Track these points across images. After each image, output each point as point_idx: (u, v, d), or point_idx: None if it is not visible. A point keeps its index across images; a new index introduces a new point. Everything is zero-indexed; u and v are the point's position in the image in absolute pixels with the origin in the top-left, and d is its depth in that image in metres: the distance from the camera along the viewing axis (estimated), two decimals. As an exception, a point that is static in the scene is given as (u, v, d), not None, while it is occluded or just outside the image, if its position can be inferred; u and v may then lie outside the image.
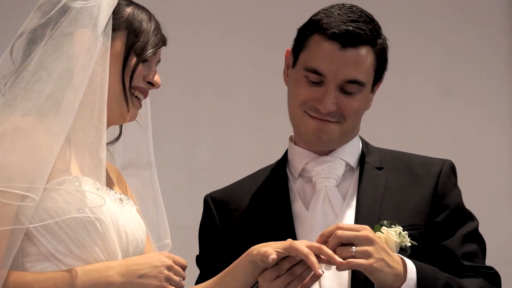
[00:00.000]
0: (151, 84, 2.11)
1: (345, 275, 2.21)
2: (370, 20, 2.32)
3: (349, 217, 2.29)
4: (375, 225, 2.18)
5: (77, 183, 1.90)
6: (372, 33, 2.29)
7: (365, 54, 2.27)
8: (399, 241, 2.17)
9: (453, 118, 4.40)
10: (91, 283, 1.89)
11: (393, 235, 2.17)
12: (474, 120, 4.42)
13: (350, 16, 2.28)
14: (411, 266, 2.12)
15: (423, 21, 4.46)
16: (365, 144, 2.44)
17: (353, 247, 2.06)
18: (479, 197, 4.06)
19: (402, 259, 2.13)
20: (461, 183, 2.43)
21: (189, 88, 4.16)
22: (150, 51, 2.07)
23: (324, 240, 2.09)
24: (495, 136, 4.43)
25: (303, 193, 2.38)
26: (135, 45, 2.06)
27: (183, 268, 2.00)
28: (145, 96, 2.12)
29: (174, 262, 1.98)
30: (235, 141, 4.23)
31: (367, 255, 2.06)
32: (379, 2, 4.40)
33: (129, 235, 2.02)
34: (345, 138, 2.37)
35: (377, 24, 2.34)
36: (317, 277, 2.06)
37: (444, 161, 2.39)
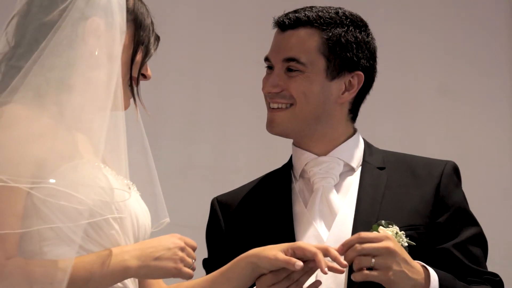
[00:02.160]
0: (144, 76, 2.13)
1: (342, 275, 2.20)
2: (334, 13, 2.37)
3: (348, 216, 2.30)
4: (373, 225, 2.18)
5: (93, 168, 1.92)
6: (321, 19, 2.34)
7: (305, 35, 2.34)
8: (397, 240, 2.15)
9: (454, 118, 4.40)
10: (108, 268, 1.88)
11: (385, 233, 2.15)
12: (475, 120, 4.42)
13: (304, 8, 2.39)
14: (433, 275, 2.13)
15: (424, 21, 4.45)
16: (368, 145, 2.43)
17: (373, 259, 2.06)
18: (480, 197, 4.05)
19: (424, 267, 2.13)
20: (462, 183, 2.42)
21: (190, 85, 4.17)
22: (155, 47, 2.11)
23: (345, 250, 2.09)
24: (496, 136, 4.43)
25: (303, 193, 2.38)
26: (142, 40, 2.08)
27: (194, 249, 2.00)
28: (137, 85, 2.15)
29: (186, 243, 1.98)
30: (237, 139, 4.23)
31: (386, 267, 2.05)
32: (379, 1, 4.40)
33: (140, 221, 2.03)
34: (304, 124, 2.36)
35: (349, 20, 2.37)
36: (317, 284, 2.07)
37: (446, 162, 2.38)
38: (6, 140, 1.86)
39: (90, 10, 1.95)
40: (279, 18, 2.39)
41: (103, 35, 1.96)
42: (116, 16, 1.97)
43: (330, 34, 2.34)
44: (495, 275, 2.31)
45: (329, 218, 2.31)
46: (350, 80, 2.36)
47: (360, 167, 2.38)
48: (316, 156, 2.38)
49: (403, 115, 4.36)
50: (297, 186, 2.39)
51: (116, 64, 1.96)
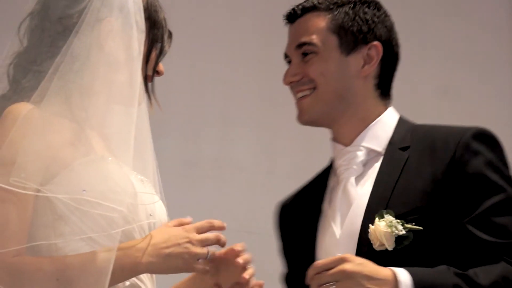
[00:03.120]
0: (157, 73, 2.13)
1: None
2: None
3: (361, 208, 2.25)
4: (376, 215, 2.17)
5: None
6: (327, 2, 2.36)
7: (312, 18, 2.35)
8: (389, 231, 2.13)
9: (454, 118, 4.40)
10: (118, 263, 1.87)
11: (380, 226, 2.14)
12: (475, 120, 4.42)
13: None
14: (404, 280, 2.07)
15: (424, 21, 4.46)
16: (401, 122, 2.38)
17: (333, 287, 2.05)
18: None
19: (395, 275, 2.07)
20: (495, 147, 2.28)
21: (193, 83, 4.18)
22: (169, 44, 2.11)
23: (310, 282, 2.08)
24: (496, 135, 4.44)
25: (333, 189, 2.37)
26: (156, 38, 2.07)
27: (213, 228, 1.98)
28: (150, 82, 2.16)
29: (198, 230, 1.95)
30: (240, 137, 4.24)
31: None
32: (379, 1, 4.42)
33: (156, 217, 2.02)
34: (329, 105, 2.33)
35: (350, 1, 2.37)
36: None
37: (467, 129, 2.26)
38: (34, 145, 1.86)
39: (106, 11, 1.95)
40: (287, 12, 2.40)
41: (120, 35, 1.96)
42: (133, 16, 1.97)
43: (337, 12, 2.34)
44: None
45: (345, 211, 2.29)
46: (367, 53, 2.35)
47: (385, 151, 2.32)
48: (342, 147, 2.35)
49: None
50: (331, 182, 2.38)
51: (137, 64, 1.96)
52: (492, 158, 2.22)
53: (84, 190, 1.86)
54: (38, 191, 1.85)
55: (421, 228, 2.14)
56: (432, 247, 2.15)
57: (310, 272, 2.06)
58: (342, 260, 2.05)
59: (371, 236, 2.17)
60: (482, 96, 4.45)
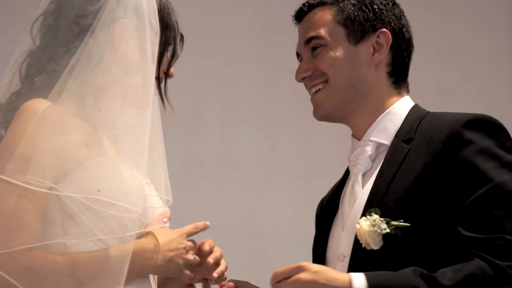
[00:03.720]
0: (167, 75, 2.15)
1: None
2: None
3: (362, 203, 2.23)
4: (366, 214, 2.16)
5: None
6: None
7: (318, 13, 2.36)
8: (373, 230, 2.12)
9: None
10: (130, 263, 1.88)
11: (364, 226, 2.13)
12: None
13: None
14: (359, 285, 2.05)
15: (424, 20, 4.47)
16: (412, 113, 2.34)
17: None
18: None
19: (350, 281, 2.06)
20: (492, 134, 2.19)
21: (194, 83, 4.18)
22: (181, 47, 2.13)
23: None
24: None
25: (347, 184, 2.36)
26: (169, 41, 2.09)
27: (199, 231, 2.01)
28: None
29: (187, 235, 1.98)
30: (241, 137, 4.24)
31: None
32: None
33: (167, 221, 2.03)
34: (343, 96, 2.32)
35: None
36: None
37: (461, 118, 2.21)
38: (50, 143, 1.87)
39: (121, 12, 1.96)
40: (295, 11, 2.41)
41: (135, 37, 1.97)
42: (147, 18, 1.98)
43: (342, 4, 2.35)
44: (499, 238, 2.05)
45: (349, 208, 2.29)
46: (377, 41, 2.33)
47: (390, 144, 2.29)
48: (356, 141, 2.34)
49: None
50: (350, 179, 2.37)
51: (152, 66, 1.97)
52: (488, 145, 2.15)
53: (99, 190, 1.88)
54: (52, 189, 1.86)
55: (409, 224, 2.11)
56: (424, 244, 2.12)
57: (271, 280, 2.07)
58: (299, 269, 2.06)
59: (358, 236, 2.16)
60: (482, 95, 4.46)
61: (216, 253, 2.04)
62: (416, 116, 2.31)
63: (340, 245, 2.24)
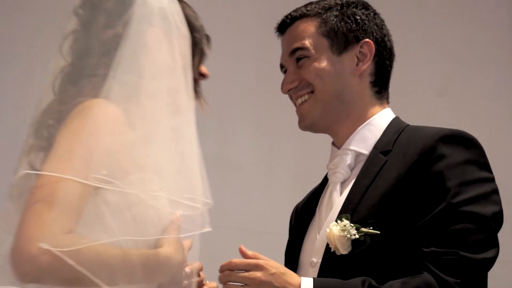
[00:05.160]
0: (203, 76, 2.22)
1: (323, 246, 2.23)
2: (315, 3, 2.41)
3: (337, 211, 2.26)
4: (337, 219, 2.19)
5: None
6: (315, 8, 2.39)
7: (302, 25, 2.39)
8: (343, 235, 2.14)
9: (454, 118, 4.41)
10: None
11: (334, 231, 2.15)
12: (475, 120, 4.44)
13: (298, 8, 2.43)
14: None
15: (424, 20, 4.47)
16: (393, 124, 2.36)
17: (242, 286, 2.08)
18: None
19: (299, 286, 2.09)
20: (470, 149, 2.24)
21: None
22: (209, 47, 2.20)
23: (220, 272, 2.12)
24: (496, 136, 4.44)
25: (324, 192, 2.39)
26: (196, 42, 2.14)
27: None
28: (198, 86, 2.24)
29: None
30: (240, 136, 4.25)
31: None
32: (380, 1, 4.42)
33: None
34: (328, 106, 2.34)
35: (343, 2, 2.40)
36: None
37: (437, 133, 2.21)
38: (114, 142, 1.91)
39: (148, 20, 2.00)
40: (277, 23, 2.44)
41: (166, 43, 2.01)
42: (175, 23, 2.03)
43: (325, 16, 2.37)
44: (452, 253, 2.07)
45: (324, 215, 2.31)
46: (360, 51, 2.36)
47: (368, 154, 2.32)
48: (336, 149, 2.37)
49: (403, 115, 4.37)
50: (328, 186, 2.39)
51: (187, 70, 2.02)
52: (460, 161, 2.18)
53: (156, 189, 1.92)
54: (116, 186, 1.89)
55: (378, 232, 2.13)
56: (391, 253, 2.14)
57: (224, 266, 2.09)
58: (257, 267, 2.08)
59: (328, 240, 2.18)
60: (482, 95, 4.46)
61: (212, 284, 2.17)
62: (395, 129, 2.32)
63: (313, 251, 2.27)
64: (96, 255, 1.83)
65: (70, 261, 1.78)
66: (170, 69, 2.00)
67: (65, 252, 1.78)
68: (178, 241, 1.94)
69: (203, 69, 2.21)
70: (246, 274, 2.08)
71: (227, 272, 2.09)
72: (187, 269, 1.99)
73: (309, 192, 2.50)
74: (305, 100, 2.37)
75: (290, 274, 2.10)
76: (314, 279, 2.10)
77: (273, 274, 2.08)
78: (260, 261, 2.09)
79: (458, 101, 4.44)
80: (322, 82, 2.34)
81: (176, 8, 2.05)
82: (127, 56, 1.96)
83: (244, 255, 2.11)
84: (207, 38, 2.20)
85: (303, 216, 2.41)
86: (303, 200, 2.50)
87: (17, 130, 4.36)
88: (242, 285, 2.08)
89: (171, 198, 1.92)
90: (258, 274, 2.07)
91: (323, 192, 2.38)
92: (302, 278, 2.09)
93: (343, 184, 2.32)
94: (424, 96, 4.42)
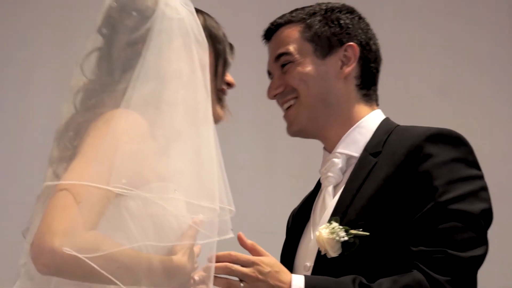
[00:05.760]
0: (229, 85, 2.26)
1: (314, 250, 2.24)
2: (311, 6, 2.42)
3: (329, 214, 2.26)
4: (327, 222, 2.19)
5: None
6: (299, 14, 2.40)
7: (286, 31, 2.40)
8: (332, 237, 2.15)
9: (454, 118, 4.41)
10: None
11: (323, 233, 2.16)
12: (475, 120, 4.44)
13: (283, 14, 2.45)
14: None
15: (424, 20, 4.47)
16: (383, 125, 2.35)
17: (242, 283, 2.08)
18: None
19: (290, 283, 2.09)
20: (456, 148, 2.21)
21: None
22: (232, 56, 2.24)
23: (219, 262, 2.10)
24: (496, 136, 4.45)
25: (318, 196, 2.40)
26: (220, 52, 2.18)
27: None
28: (224, 95, 2.28)
29: None
30: (240, 136, 4.24)
31: None
32: (380, 1, 4.43)
33: None
34: (314, 110, 2.35)
35: (328, 7, 2.41)
36: None
37: (424, 132, 2.21)
38: (135, 151, 1.94)
39: (168, 33, 2.03)
40: (264, 31, 2.47)
41: (186, 54, 2.04)
42: (192, 34, 2.05)
43: (309, 21, 2.38)
44: (441, 252, 2.09)
45: (318, 219, 2.31)
46: (344, 54, 2.36)
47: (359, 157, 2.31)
48: (328, 154, 2.37)
49: (403, 115, 4.36)
50: (322, 191, 2.40)
51: (203, 79, 2.03)
52: (448, 159, 2.18)
53: (176, 190, 1.94)
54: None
55: (368, 233, 2.14)
56: (382, 254, 2.14)
57: (222, 257, 2.07)
58: (254, 264, 2.08)
59: (317, 243, 2.19)
60: (482, 95, 4.46)
61: None
62: (385, 130, 2.32)
63: (307, 255, 2.27)
64: (117, 258, 1.86)
65: (92, 264, 1.81)
66: (189, 79, 2.03)
67: (88, 257, 1.81)
68: (191, 249, 1.96)
69: (228, 77, 2.25)
70: (243, 269, 2.07)
71: (225, 264, 2.08)
72: (196, 277, 2.00)
73: (304, 197, 2.50)
74: (291, 106, 2.38)
75: (283, 272, 2.10)
76: (305, 276, 2.10)
77: (267, 273, 2.08)
78: (256, 259, 2.09)
79: (459, 101, 4.44)
80: (306, 87, 2.35)
81: (195, 20, 2.08)
82: (147, 67, 1.98)
83: (243, 244, 2.10)
84: (231, 47, 2.24)
85: (298, 220, 2.41)
86: (298, 205, 2.51)
87: (17, 130, 4.36)
88: (237, 280, 2.08)
89: (190, 202, 1.95)
90: (254, 271, 2.07)
91: (317, 196, 2.39)
92: (293, 275, 2.10)
93: (336, 187, 2.32)
94: (424, 96, 4.42)
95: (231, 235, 2.02)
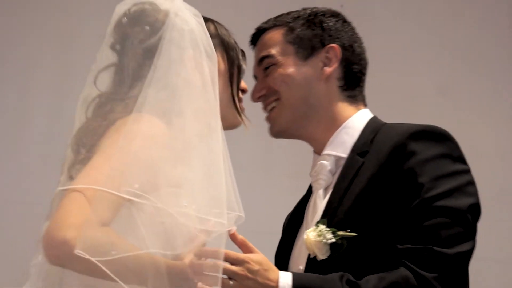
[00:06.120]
0: (242, 91, 2.31)
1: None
2: (296, 11, 2.44)
3: (319, 217, 2.27)
4: (315, 225, 2.19)
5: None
6: (283, 19, 2.42)
7: (269, 34, 2.42)
8: (319, 240, 2.15)
9: (454, 118, 4.41)
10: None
11: (310, 236, 2.16)
12: (475, 120, 4.44)
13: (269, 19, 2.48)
14: (284, 285, 2.08)
15: (424, 20, 4.47)
16: (370, 124, 2.34)
17: (231, 281, 2.07)
18: (480, 197, 4.07)
19: (278, 280, 2.09)
20: (440, 144, 2.20)
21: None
22: (244, 62, 2.28)
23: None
24: (496, 136, 4.44)
25: (310, 199, 2.40)
26: (233, 59, 2.22)
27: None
28: (241, 102, 2.33)
29: None
30: (240, 136, 4.24)
31: None
32: (380, 1, 4.42)
33: None
34: (296, 112, 2.37)
35: (311, 11, 2.42)
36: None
37: (407, 130, 2.20)
38: (148, 157, 1.96)
39: (178, 43, 2.06)
40: (250, 36, 2.48)
41: (195, 65, 2.07)
42: (202, 45, 2.09)
43: (292, 24, 2.40)
44: (426, 249, 2.08)
45: (310, 223, 2.31)
46: (326, 56, 2.37)
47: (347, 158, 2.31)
48: (317, 157, 2.38)
49: (403, 115, 4.36)
50: (313, 194, 2.40)
51: (215, 90, 2.06)
52: (432, 156, 2.17)
53: (186, 205, 1.96)
54: (147, 200, 1.94)
55: (355, 234, 2.13)
56: (371, 253, 2.14)
57: (219, 254, 2.05)
58: (243, 262, 2.07)
59: (306, 246, 2.19)
60: (482, 95, 4.45)
61: None
62: (372, 129, 2.31)
63: (300, 258, 2.28)
64: (126, 260, 1.88)
65: (102, 267, 1.84)
66: (199, 88, 2.05)
67: (100, 261, 1.84)
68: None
69: (242, 84, 2.29)
70: (233, 268, 2.06)
71: (215, 262, 2.06)
72: (200, 285, 2.00)
73: (299, 201, 2.50)
74: (273, 107, 2.39)
75: (272, 270, 2.09)
76: (293, 273, 2.10)
77: (257, 270, 2.07)
78: (245, 258, 2.08)
79: (459, 100, 4.43)
80: (287, 88, 2.36)
81: (205, 31, 2.11)
82: (158, 76, 2.01)
83: (234, 239, 2.09)
84: (243, 53, 2.28)
85: (292, 224, 2.42)
86: (293, 209, 2.51)
87: (17, 130, 4.36)
88: (227, 277, 2.08)
89: (199, 215, 1.97)
90: (243, 269, 2.06)
91: (309, 200, 2.39)
92: (280, 272, 2.09)
93: (326, 189, 2.31)
94: (424, 96, 4.42)
95: (233, 227, 2.06)
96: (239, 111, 2.26)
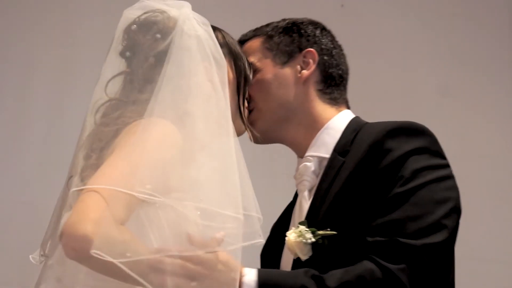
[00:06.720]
0: (248, 100, 2.35)
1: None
2: (266, 24, 2.49)
3: (303, 219, 2.28)
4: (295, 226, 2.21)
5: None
6: (262, 28, 2.47)
7: (249, 43, 2.47)
8: (299, 240, 2.16)
9: (454, 118, 4.41)
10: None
11: (290, 237, 2.18)
12: (475, 120, 4.44)
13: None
14: (249, 281, 2.07)
15: (424, 20, 4.47)
16: (351, 125, 2.35)
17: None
18: (480, 197, 4.07)
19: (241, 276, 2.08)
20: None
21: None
22: (251, 72, 2.32)
23: None
24: (496, 136, 4.44)
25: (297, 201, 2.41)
26: (240, 68, 2.27)
27: None
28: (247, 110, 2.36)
29: None
30: (240, 137, 4.24)
31: None
32: (380, 1, 4.42)
33: None
34: (274, 115, 2.40)
35: (290, 21, 2.46)
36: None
37: (384, 127, 2.22)
38: (160, 158, 1.99)
39: (187, 49, 2.10)
40: None
41: (204, 72, 2.11)
42: (210, 52, 2.12)
43: (270, 32, 2.45)
44: (393, 242, 2.09)
45: (296, 224, 2.31)
46: (303, 60, 2.41)
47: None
48: (300, 160, 2.40)
49: (403, 115, 4.36)
50: (299, 196, 2.41)
51: (226, 97, 2.09)
52: (408, 151, 2.17)
53: (201, 199, 1.98)
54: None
55: (335, 233, 2.14)
56: (354, 250, 2.13)
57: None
58: (198, 259, 2.04)
59: (287, 247, 2.20)
60: (482, 96, 4.45)
61: None
62: (353, 129, 2.32)
63: (288, 261, 2.28)
64: (142, 261, 1.90)
65: (123, 267, 1.86)
66: (209, 92, 2.09)
67: (120, 261, 1.86)
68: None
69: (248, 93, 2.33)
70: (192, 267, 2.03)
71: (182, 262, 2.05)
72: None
73: (286, 206, 2.52)
74: (251, 113, 2.41)
75: (234, 266, 2.03)
76: (258, 270, 2.09)
77: (220, 269, 2.03)
78: (201, 255, 2.02)
79: (459, 100, 4.43)
80: (264, 94, 2.39)
81: (213, 39, 2.14)
82: (168, 81, 2.04)
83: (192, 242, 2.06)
84: (249, 63, 2.33)
85: (280, 228, 2.42)
86: (281, 213, 2.53)
87: (17, 130, 4.36)
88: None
89: (214, 211, 1.98)
90: (199, 267, 2.01)
91: (296, 202, 2.40)
92: (245, 269, 2.08)
93: (311, 191, 2.33)
94: (425, 96, 4.42)
95: (260, 240, 2.03)
96: (244, 121, 2.29)
